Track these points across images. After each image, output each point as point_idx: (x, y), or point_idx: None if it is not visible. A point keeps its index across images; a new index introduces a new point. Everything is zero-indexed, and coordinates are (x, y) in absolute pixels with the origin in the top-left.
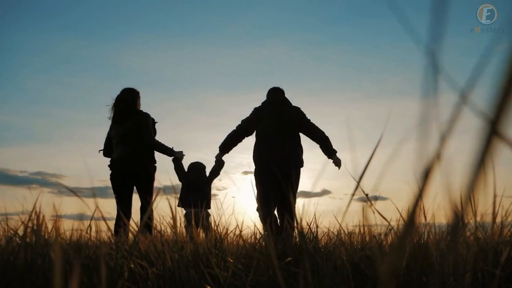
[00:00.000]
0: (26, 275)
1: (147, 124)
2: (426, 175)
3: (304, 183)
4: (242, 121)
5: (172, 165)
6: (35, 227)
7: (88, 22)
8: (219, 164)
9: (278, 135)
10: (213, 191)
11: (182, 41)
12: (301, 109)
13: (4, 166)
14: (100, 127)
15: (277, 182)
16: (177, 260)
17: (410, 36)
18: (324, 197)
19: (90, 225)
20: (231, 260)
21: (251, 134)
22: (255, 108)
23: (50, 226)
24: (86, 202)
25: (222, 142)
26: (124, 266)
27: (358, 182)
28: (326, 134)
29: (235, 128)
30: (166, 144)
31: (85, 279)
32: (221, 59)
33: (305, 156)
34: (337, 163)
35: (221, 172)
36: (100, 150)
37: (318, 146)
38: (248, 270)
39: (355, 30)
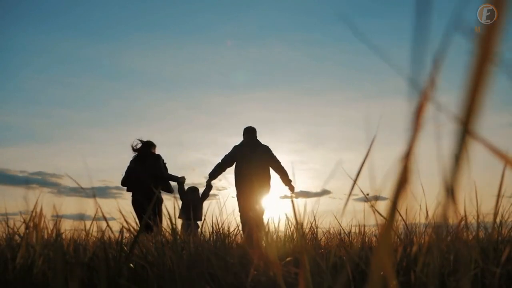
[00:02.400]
0: (26, 275)
1: (160, 163)
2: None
3: (305, 183)
4: (226, 156)
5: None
6: (35, 227)
7: (88, 22)
8: (208, 188)
9: (252, 169)
10: (213, 191)
11: (182, 41)
12: (269, 147)
13: (4, 166)
14: (100, 127)
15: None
16: (177, 260)
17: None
18: (324, 197)
19: (90, 225)
20: (231, 260)
21: (232, 165)
22: (235, 147)
23: (50, 226)
24: (86, 202)
25: (211, 171)
26: (124, 266)
27: (355, 182)
28: (285, 169)
29: (220, 161)
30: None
31: (85, 279)
32: (221, 59)
33: (306, 156)
34: (292, 189)
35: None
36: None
37: (317, 146)
38: (248, 270)
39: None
